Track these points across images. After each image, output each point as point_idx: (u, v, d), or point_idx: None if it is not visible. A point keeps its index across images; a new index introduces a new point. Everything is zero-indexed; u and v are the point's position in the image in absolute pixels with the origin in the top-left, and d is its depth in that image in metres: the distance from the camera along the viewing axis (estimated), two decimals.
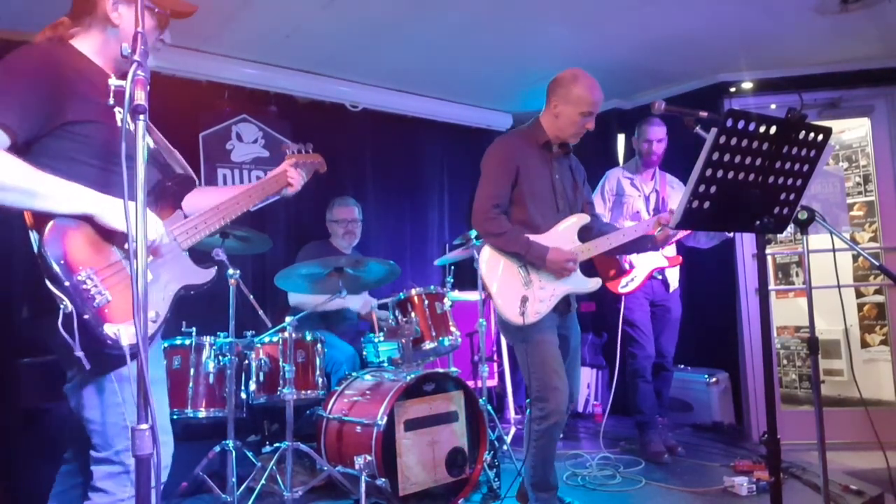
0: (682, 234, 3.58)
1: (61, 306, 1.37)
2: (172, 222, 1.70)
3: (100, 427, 1.53)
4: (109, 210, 1.47)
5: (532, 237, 2.57)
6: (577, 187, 2.77)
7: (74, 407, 1.56)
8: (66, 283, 1.39)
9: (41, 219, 1.43)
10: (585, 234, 2.68)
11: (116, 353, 1.41)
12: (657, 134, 3.75)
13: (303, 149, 2.26)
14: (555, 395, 2.48)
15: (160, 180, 1.67)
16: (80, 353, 1.37)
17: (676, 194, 3.85)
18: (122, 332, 1.42)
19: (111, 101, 1.40)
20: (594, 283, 2.68)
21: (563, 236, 2.62)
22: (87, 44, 1.63)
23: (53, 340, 1.42)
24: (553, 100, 2.63)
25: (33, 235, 1.44)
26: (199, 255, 1.82)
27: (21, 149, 1.44)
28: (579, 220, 2.66)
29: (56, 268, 1.39)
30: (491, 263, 2.59)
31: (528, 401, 2.61)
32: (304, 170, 2.19)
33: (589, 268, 2.83)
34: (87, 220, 1.46)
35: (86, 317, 1.39)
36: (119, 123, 1.57)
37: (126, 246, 1.50)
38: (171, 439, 1.66)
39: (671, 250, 3.80)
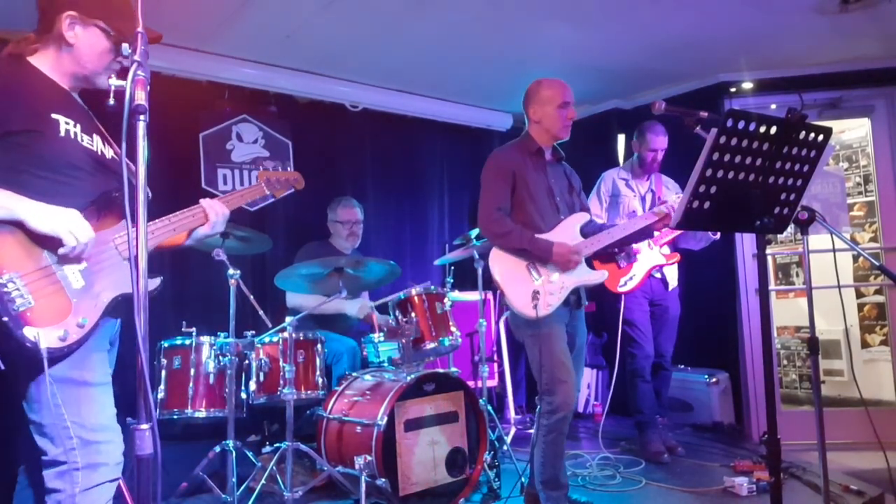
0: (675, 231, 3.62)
1: None
2: (115, 231, 1.69)
3: (45, 429, 1.56)
4: (38, 215, 1.49)
5: (536, 235, 2.65)
6: (573, 190, 2.88)
7: (26, 410, 1.58)
8: None
9: None
10: (582, 236, 2.77)
11: (36, 356, 1.43)
12: (661, 143, 3.75)
13: (280, 167, 2.30)
14: (563, 389, 2.55)
15: (108, 191, 1.68)
16: None
17: (671, 195, 3.85)
18: (41, 335, 1.44)
19: (111, 101, 1.42)
20: (601, 275, 2.78)
21: (565, 234, 2.70)
22: (43, 60, 1.67)
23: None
24: (530, 111, 2.79)
25: None
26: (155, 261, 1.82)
27: None
28: (580, 218, 2.77)
29: None
30: (500, 263, 2.67)
31: (537, 397, 2.65)
32: (276, 187, 2.21)
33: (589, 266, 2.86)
34: (19, 225, 1.49)
35: (4, 319, 1.41)
36: (62, 134, 1.61)
37: (59, 251, 1.52)
38: (119, 438, 1.66)
39: (668, 248, 3.80)
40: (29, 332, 1.44)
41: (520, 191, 2.70)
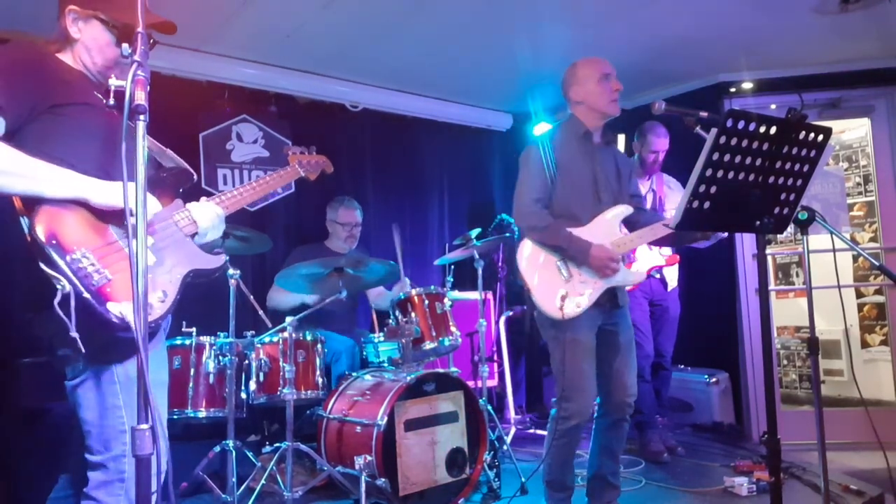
0: None
1: (59, 287, 1.35)
2: (173, 209, 1.70)
3: (96, 429, 1.51)
4: (100, 190, 1.48)
5: (574, 230, 2.49)
6: (621, 178, 2.68)
7: (72, 406, 1.54)
8: (60, 263, 1.37)
9: (31, 204, 1.43)
10: (630, 226, 2.61)
11: (124, 335, 1.38)
12: (662, 145, 3.75)
13: (306, 150, 2.26)
14: (580, 397, 2.44)
15: (153, 173, 1.69)
16: (75, 334, 1.35)
17: (674, 194, 3.86)
18: (127, 310, 1.38)
19: (111, 101, 1.42)
20: (638, 276, 2.60)
21: (604, 228, 2.53)
22: (66, 56, 1.69)
23: (55, 328, 1.40)
24: (570, 94, 2.62)
25: (24, 221, 1.44)
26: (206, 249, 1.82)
27: (8, 136, 1.46)
28: (622, 210, 2.57)
29: (48, 248, 1.38)
30: (531, 257, 2.52)
31: (554, 399, 2.56)
32: (309, 169, 2.21)
33: None
34: (82, 203, 1.47)
35: (85, 296, 1.37)
36: (107, 109, 1.60)
37: (124, 223, 1.49)
38: (166, 444, 1.61)
39: (668, 249, 3.80)
40: (113, 308, 1.39)
41: (561, 179, 2.53)
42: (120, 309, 1.39)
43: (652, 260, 3.73)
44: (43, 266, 1.37)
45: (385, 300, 3.92)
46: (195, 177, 1.82)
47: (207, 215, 1.74)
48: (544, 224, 2.50)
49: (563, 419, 2.47)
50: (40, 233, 1.39)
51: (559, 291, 2.44)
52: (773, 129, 1.71)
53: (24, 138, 1.48)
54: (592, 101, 2.56)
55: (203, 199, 1.79)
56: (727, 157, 1.69)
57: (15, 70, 1.49)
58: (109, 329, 1.39)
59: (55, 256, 1.38)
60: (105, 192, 1.48)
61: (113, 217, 1.50)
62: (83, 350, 1.38)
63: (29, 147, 1.45)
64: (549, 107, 4.94)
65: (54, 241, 1.39)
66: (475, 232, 3.58)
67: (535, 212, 2.51)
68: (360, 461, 2.62)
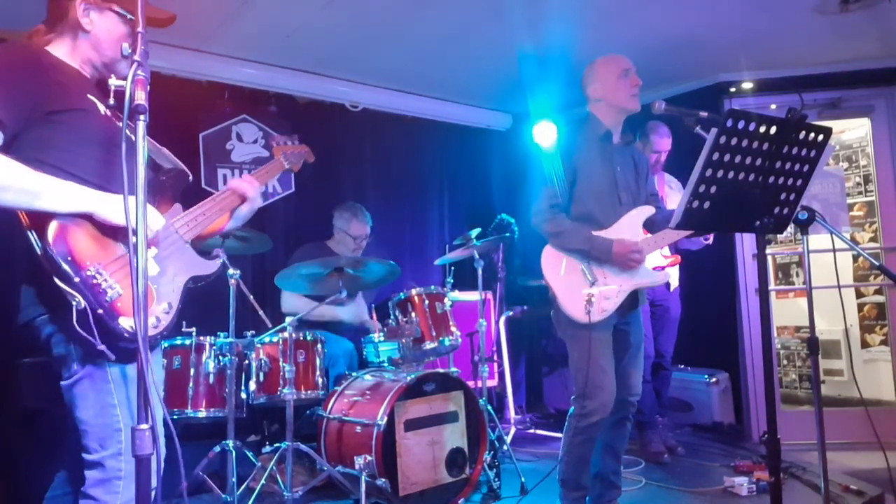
0: None
1: (74, 303, 1.37)
2: (172, 215, 1.71)
3: (91, 428, 1.51)
4: (107, 206, 1.47)
5: (597, 234, 2.50)
6: (639, 178, 2.67)
7: (68, 405, 1.55)
8: (76, 279, 1.39)
9: (38, 219, 1.42)
10: (650, 226, 2.59)
11: (132, 346, 1.40)
12: (665, 145, 3.75)
13: (289, 140, 2.28)
14: (599, 395, 2.43)
15: (152, 177, 1.68)
16: (102, 347, 1.38)
17: (674, 194, 3.86)
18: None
19: (111, 101, 1.41)
20: (662, 277, 2.62)
21: (626, 230, 2.53)
22: (61, 49, 1.64)
23: (54, 328, 1.43)
24: (590, 91, 2.61)
25: (32, 236, 1.43)
26: (200, 251, 1.83)
27: (5, 146, 1.43)
28: (642, 212, 2.57)
29: (64, 265, 1.39)
30: (552, 263, 2.52)
31: (572, 397, 2.54)
32: (293, 160, 2.22)
33: None
34: (87, 217, 1.47)
35: (99, 311, 1.39)
36: (103, 112, 1.60)
37: (129, 239, 1.50)
38: (163, 443, 1.58)
39: (668, 250, 3.79)
40: (125, 323, 1.42)
41: (581, 183, 2.52)
42: (130, 323, 1.42)
43: (653, 260, 3.71)
44: (58, 282, 1.39)
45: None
46: (191, 177, 1.84)
47: (252, 185, 1.88)
48: (562, 229, 2.49)
49: (582, 416, 2.46)
50: (56, 250, 1.40)
51: (585, 296, 2.44)
52: (773, 129, 1.71)
53: (22, 147, 1.46)
54: (612, 97, 2.54)
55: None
56: (727, 157, 1.69)
57: (9, 76, 1.46)
58: (118, 341, 1.42)
59: (71, 273, 1.39)
60: (112, 208, 1.47)
61: (119, 231, 1.51)
62: (112, 358, 1.42)
63: (27, 156, 1.44)
64: (550, 107, 4.93)
65: (69, 258, 1.40)
66: (475, 232, 3.58)
67: (550, 218, 2.50)
68: (360, 461, 2.62)
